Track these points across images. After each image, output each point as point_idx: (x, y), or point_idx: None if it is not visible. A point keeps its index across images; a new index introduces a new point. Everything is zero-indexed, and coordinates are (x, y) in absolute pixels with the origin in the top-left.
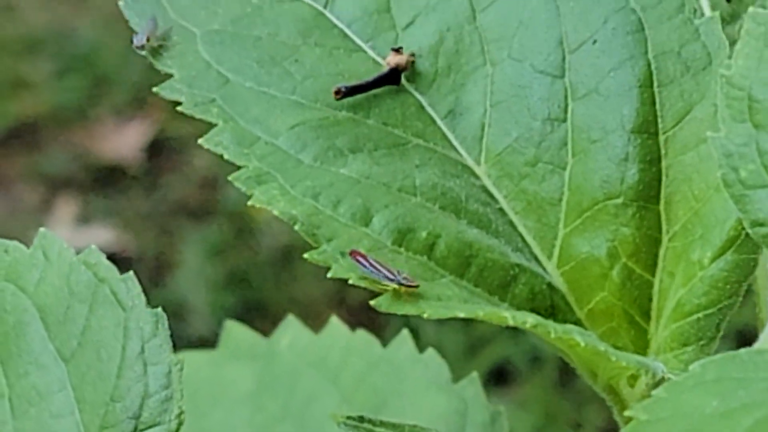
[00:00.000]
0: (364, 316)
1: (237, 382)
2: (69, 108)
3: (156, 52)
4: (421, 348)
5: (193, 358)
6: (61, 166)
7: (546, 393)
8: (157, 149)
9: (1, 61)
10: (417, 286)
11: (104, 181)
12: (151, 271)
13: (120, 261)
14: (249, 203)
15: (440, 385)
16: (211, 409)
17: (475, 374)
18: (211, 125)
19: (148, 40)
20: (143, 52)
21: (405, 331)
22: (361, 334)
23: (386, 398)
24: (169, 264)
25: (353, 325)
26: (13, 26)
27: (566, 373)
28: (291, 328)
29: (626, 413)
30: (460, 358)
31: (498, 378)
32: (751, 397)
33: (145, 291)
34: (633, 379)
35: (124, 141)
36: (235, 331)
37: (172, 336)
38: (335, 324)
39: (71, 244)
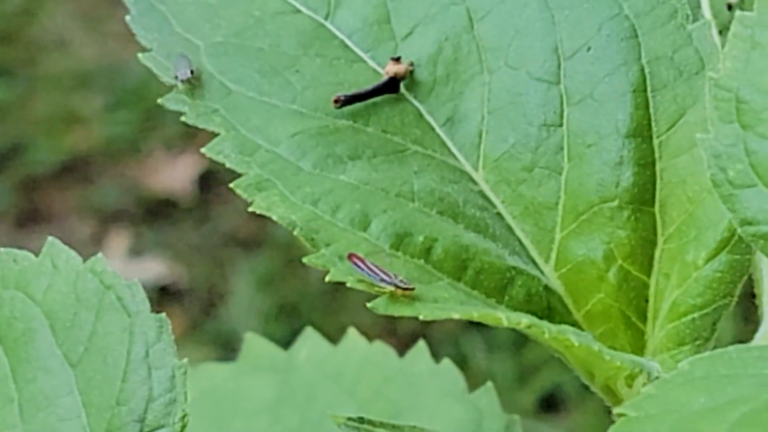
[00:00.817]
0: (414, 345)
1: (257, 394)
2: (120, 141)
3: (162, 65)
4: (472, 377)
5: (214, 369)
6: (114, 199)
7: (597, 419)
8: (207, 182)
9: (53, 96)
10: (413, 289)
11: (156, 213)
12: (202, 302)
13: (172, 292)
14: (249, 209)
15: (456, 395)
16: (232, 419)
17: (490, 384)
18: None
19: (192, 72)
20: (182, 85)
21: (422, 343)
22: (379, 345)
23: (402, 409)
24: (221, 295)
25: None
26: (65, 62)
27: None
28: (309, 340)
29: (616, 410)
30: (511, 385)
31: (549, 405)
32: (738, 393)
33: (196, 322)
34: (630, 379)
35: (175, 174)
36: (255, 343)
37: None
38: (353, 336)
39: (124, 276)
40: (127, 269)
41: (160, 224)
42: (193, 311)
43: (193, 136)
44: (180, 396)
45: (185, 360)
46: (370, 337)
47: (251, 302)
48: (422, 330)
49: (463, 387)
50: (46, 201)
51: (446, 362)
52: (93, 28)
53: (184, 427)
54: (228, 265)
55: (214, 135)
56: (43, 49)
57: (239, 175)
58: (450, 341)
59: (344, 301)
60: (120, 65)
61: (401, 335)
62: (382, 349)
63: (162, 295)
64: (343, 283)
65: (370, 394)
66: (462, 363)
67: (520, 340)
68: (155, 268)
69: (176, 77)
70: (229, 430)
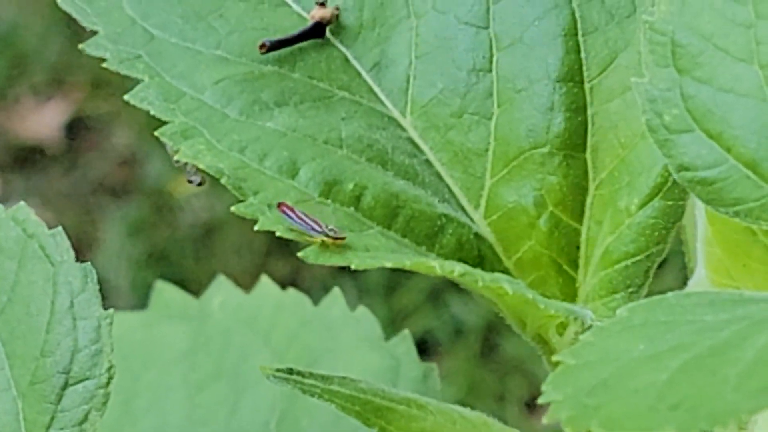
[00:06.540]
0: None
1: (170, 343)
2: None
3: (82, 10)
4: None
5: (124, 318)
6: None
7: (468, 365)
8: (76, 129)
9: None
10: (344, 238)
11: (24, 160)
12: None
13: None
14: (175, 158)
15: (372, 343)
16: (145, 370)
17: (407, 331)
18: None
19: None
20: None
21: (336, 289)
22: (292, 292)
23: (318, 356)
24: (90, 242)
25: None
26: None
27: (488, 345)
28: (222, 287)
29: (554, 358)
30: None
31: (420, 350)
32: (678, 340)
33: None
34: (562, 327)
35: (43, 121)
36: (165, 291)
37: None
38: (266, 283)
39: None
40: None
41: (29, 171)
42: None
43: (60, 83)
44: (106, 347)
45: (111, 310)
46: (241, 283)
47: (121, 249)
48: (293, 274)
49: (379, 334)
50: None
51: (362, 309)
52: None
53: (110, 378)
54: (97, 212)
55: (87, 82)
56: None
57: (110, 123)
58: (321, 287)
59: (213, 249)
60: None
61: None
62: (295, 296)
63: None
64: (212, 229)
65: (285, 340)
66: None
67: (391, 285)
68: None
69: (188, 181)
70: (143, 381)
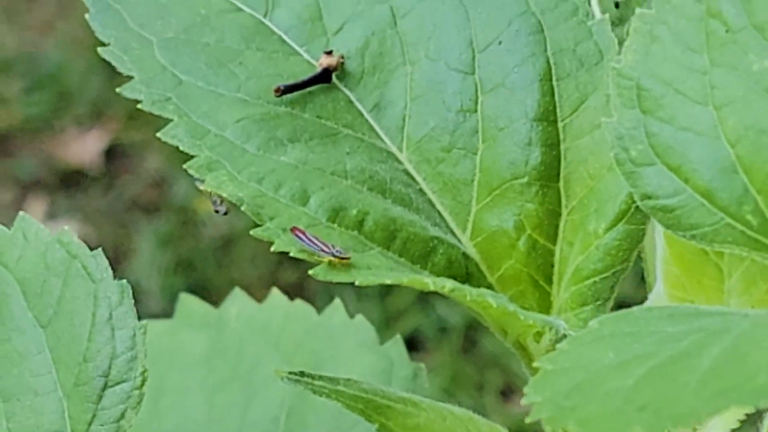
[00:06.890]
0: (293, 295)
1: (191, 348)
2: (37, 120)
3: (119, 57)
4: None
5: (152, 326)
6: (31, 170)
7: (452, 359)
8: (113, 154)
9: None
10: (349, 258)
11: (68, 182)
12: (109, 260)
13: None
14: (201, 187)
15: (369, 347)
16: (169, 371)
17: (398, 336)
18: (166, 121)
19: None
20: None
21: (337, 300)
22: (299, 303)
23: (323, 360)
24: (125, 253)
25: None
26: None
27: (469, 341)
28: (238, 299)
29: (534, 364)
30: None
31: (410, 346)
32: (643, 349)
33: None
34: (538, 335)
35: (85, 148)
36: (188, 302)
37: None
38: (276, 295)
39: None
40: None
41: (72, 192)
42: None
43: (100, 116)
44: (140, 354)
45: (145, 321)
46: (255, 288)
47: (152, 259)
48: (302, 281)
49: (375, 338)
50: None
51: (359, 317)
52: (13, 21)
53: (144, 381)
54: (132, 227)
55: (123, 114)
56: None
57: (143, 149)
58: (325, 291)
59: (233, 258)
60: (37, 53)
61: (282, 286)
62: (302, 306)
63: None
64: (231, 241)
65: (293, 346)
66: None
67: (385, 290)
68: None
69: (217, 212)
70: (167, 380)
